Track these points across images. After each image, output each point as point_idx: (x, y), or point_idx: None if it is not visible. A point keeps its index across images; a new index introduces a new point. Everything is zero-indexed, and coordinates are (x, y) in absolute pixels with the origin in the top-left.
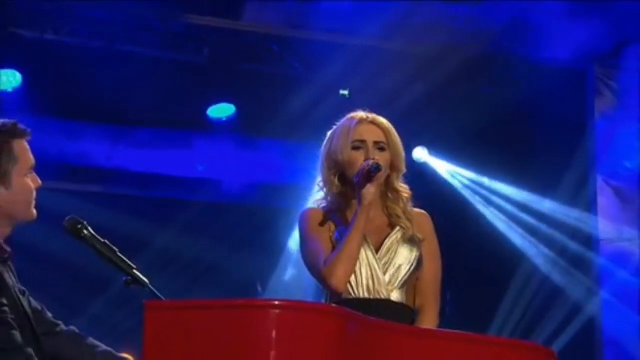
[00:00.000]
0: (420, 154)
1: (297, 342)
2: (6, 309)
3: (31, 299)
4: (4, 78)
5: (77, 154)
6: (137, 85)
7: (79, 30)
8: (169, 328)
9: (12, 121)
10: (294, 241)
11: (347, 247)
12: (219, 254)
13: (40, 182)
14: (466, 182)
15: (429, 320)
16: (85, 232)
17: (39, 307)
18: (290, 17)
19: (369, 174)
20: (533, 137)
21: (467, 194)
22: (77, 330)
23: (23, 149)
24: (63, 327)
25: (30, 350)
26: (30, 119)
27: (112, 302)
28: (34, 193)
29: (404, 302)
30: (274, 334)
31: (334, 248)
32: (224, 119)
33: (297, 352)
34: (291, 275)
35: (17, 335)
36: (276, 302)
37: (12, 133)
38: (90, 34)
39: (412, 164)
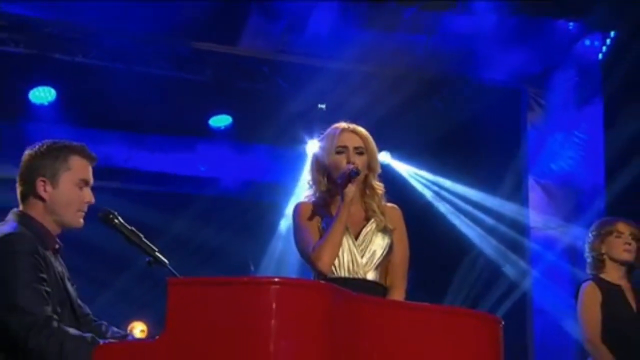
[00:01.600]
0: (384, 157)
1: (293, 312)
2: (45, 284)
3: (79, 301)
4: (41, 94)
5: (100, 156)
6: (150, 99)
7: (103, 54)
8: (188, 300)
9: (82, 144)
10: (280, 229)
11: (331, 236)
12: (218, 239)
13: (92, 199)
14: (423, 181)
15: (398, 295)
16: (116, 220)
17: (87, 309)
18: (278, 44)
19: (350, 177)
20: (478, 144)
21: (423, 191)
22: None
23: (80, 164)
24: (96, 322)
25: (59, 324)
26: (62, 127)
27: (134, 279)
28: (82, 204)
29: (378, 280)
30: (274, 305)
31: (320, 236)
32: (223, 128)
33: (293, 321)
34: (278, 257)
35: (47, 308)
36: (276, 279)
37: (74, 149)
38: (112, 58)
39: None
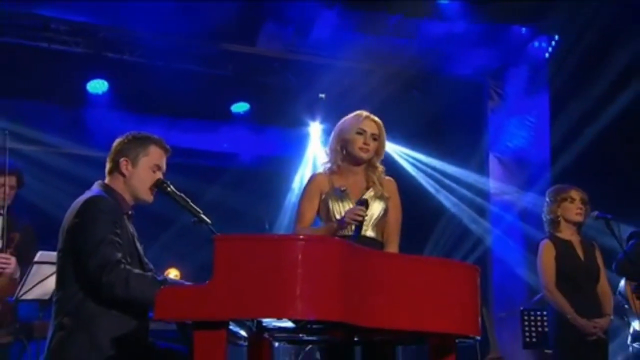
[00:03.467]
0: None
1: (315, 262)
2: (118, 237)
3: (145, 259)
4: (96, 85)
5: None
6: (183, 90)
7: (146, 53)
8: (230, 252)
9: (161, 138)
10: (289, 194)
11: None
12: (238, 203)
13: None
14: (405, 157)
15: (393, 248)
16: (169, 188)
17: (151, 265)
18: (288, 45)
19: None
20: (449, 127)
21: (406, 165)
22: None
23: (156, 152)
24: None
25: (127, 266)
26: (113, 112)
27: (177, 235)
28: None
29: (376, 237)
30: (299, 256)
31: (318, 208)
32: (242, 113)
33: (314, 269)
34: (288, 217)
35: (118, 254)
36: (301, 236)
37: (154, 140)
38: (153, 56)
39: None
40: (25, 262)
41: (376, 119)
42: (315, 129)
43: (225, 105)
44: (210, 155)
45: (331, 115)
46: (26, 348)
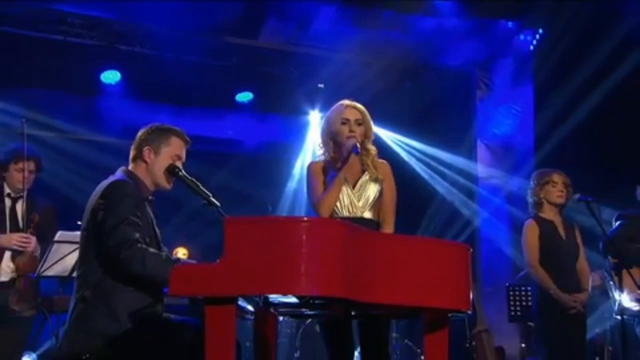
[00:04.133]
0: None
1: (318, 242)
2: (138, 219)
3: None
4: (110, 76)
5: (152, 122)
6: (191, 80)
7: (157, 45)
8: (239, 233)
9: (180, 129)
10: (291, 179)
11: (330, 192)
12: (242, 186)
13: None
14: (399, 143)
15: (388, 228)
16: (180, 173)
17: (163, 246)
18: (289, 38)
19: (350, 153)
20: (440, 115)
21: (399, 151)
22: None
23: (177, 143)
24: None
25: (143, 245)
26: (125, 101)
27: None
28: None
29: (372, 218)
30: (304, 237)
31: (324, 189)
32: (246, 102)
33: (318, 248)
34: (290, 200)
35: (137, 234)
36: (305, 218)
37: (175, 132)
38: (163, 48)
39: None
40: (45, 241)
41: (357, 105)
42: (314, 117)
43: (230, 95)
44: (216, 142)
45: (330, 104)
46: (47, 320)
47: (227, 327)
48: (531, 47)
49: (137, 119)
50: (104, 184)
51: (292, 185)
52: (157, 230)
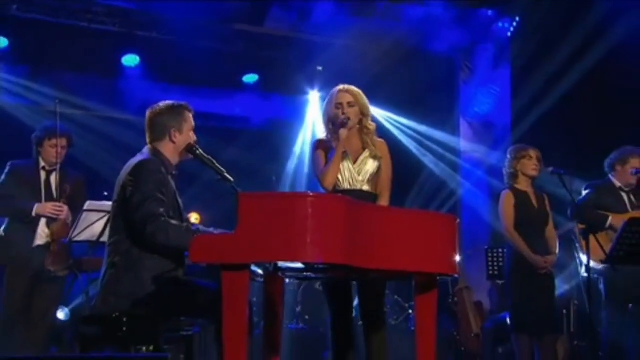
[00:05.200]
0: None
1: (322, 215)
2: (162, 195)
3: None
4: (130, 59)
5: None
6: (203, 63)
7: (172, 32)
8: (252, 207)
9: (187, 102)
10: (293, 152)
11: (331, 165)
12: (249, 159)
13: (195, 138)
14: (391, 121)
15: (385, 200)
16: (198, 151)
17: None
18: (292, 26)
19: (341, 124)
20: (428, 95)
21: (391, 129)
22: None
23: (190, 116)
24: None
25: (166, 218)
26: (143, 82)
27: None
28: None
29: (370, 191)
30: (310, 210)
31: (326, 163)
32: (252, 83)
33: (322, 220)
34: (292, 172)
35: (161, 209)
36: (311, 194)
37: (185, 107)
38: (178, 34)
39: None
40: (76, 210)
41: (349, 88)
42: (314, 97)
43: (238, 76)
44: (224, 118)
45: (327, 85)
46: (77, 278)
47: (242, 290)
48: (509, 34)
49: (154, 97)
50: (133, 161)
51: (294, 159)
52: (180, 201)
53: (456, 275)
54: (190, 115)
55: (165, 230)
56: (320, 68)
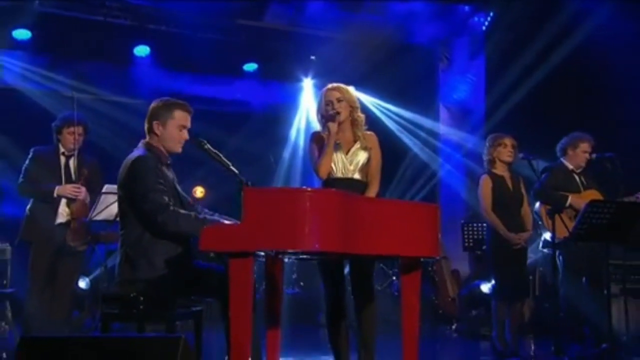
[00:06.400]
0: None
1: (319, 208)
2: (162, 186)
3: (183, 193)
4: (141, 50)
5: (177, 87)
6: (207, 53)
7: (180, 25)
8: (256, 200)
9: (183, 101)
10: (290, 134)
11: (324, 157)
12: (248, 139)
13: (186, 137)
14: (377, 106)
15: (374, 187)
16: (206, 146)
17: (189, 198)
18: (289, 21)
19: (330, 118)
20: (410, 83)
21: (378, 114)
22: (199, 209)
23: (181, 115)
24: (197, 212)
25: (174, 207)
26: (152, 69)
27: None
28: (180, 140)
29: (361, 179)
30: (308, 204)
31: (320, 154)
32: (252, 71)
33: (319, 212)
34: (289, 152)
35: (166, 198)
36: (309, 189)
37: (178, 105)
38: (184, 27)
39: None
40: (93, 191)
41: (337, 85)
42: (307, 84)
43: (239, 65)
44: (227, 103)
45: (320, 74)
46: (94, 250)
47: (247, 274)
48: (483, 27)
49: (163, 84)
50: (129, 159)
51: (290, 140)
52: (178, 188)
53: (437, 257)
54: (183, 114)
55: (176, 219)
56: (313, 57)
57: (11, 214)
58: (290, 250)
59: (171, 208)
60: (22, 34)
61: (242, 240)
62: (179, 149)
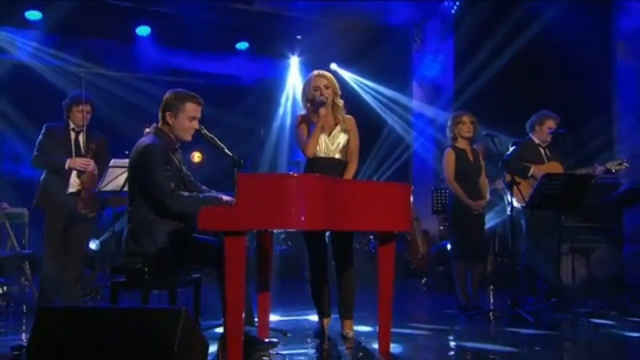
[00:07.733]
0: (334, 67)
1: (306, 190)
2: (169, 172)
3: (190, 174)
4: (142, 30)
5: (175, 64)
6: (204, 33)
7: (179, 6)
8: (248, 184)
9: (194, 94)
10: (279, 106)
11: (312, 138)
12: (239, 112)
13: (196, 126)
14: (357, 82)
15: (353, 166)
16: (202, 131)
17: (191, 177)
18: (280, 3)
19: (320, 104)
20: (387, 61)
21: (358, 89)
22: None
23: (191, 107)
24: (201, 193)
25: (179, 192)
26: (153, 47)
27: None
28: (190, 130)
29: (341, 158)
30: (295, 188)
31: (307, 136)
32: (244, 49)
33: (305, 195)
34: (278, 124)
35: (172, 183)
36: (296, 174)
37: (189, 98)
38: (182, 9)
39: (333, 72)
40: (101, 163)
41: (323, 72)
42: (294, 60)
43: (232, 43)
44: (221, 77)
45: (305, 52)
46: (102, 214)
47: (241, 250)
48: (453, 11)
49: (162, 61)
50: (140, 145)
51: (278, 112)
52: (183, 169)
53: (410, 232)
54: (194, 106)
55: (181, 202)
56: (299, 37)
57: (28, 176)
58: (279, 229)
59: (176, 192)
60: (33, 14)
61: (235, 220)
62: (188, 137)
